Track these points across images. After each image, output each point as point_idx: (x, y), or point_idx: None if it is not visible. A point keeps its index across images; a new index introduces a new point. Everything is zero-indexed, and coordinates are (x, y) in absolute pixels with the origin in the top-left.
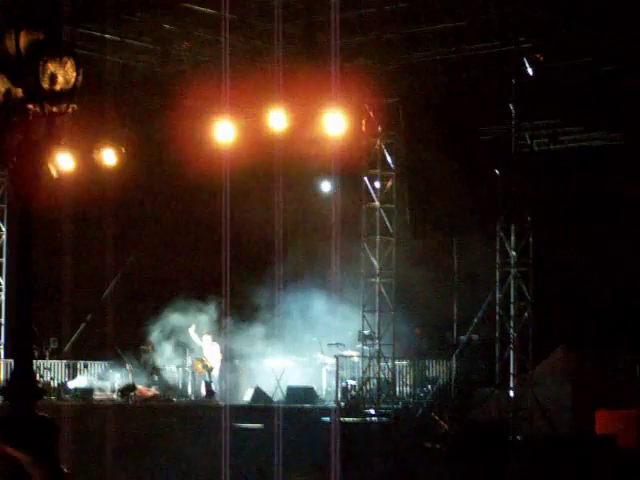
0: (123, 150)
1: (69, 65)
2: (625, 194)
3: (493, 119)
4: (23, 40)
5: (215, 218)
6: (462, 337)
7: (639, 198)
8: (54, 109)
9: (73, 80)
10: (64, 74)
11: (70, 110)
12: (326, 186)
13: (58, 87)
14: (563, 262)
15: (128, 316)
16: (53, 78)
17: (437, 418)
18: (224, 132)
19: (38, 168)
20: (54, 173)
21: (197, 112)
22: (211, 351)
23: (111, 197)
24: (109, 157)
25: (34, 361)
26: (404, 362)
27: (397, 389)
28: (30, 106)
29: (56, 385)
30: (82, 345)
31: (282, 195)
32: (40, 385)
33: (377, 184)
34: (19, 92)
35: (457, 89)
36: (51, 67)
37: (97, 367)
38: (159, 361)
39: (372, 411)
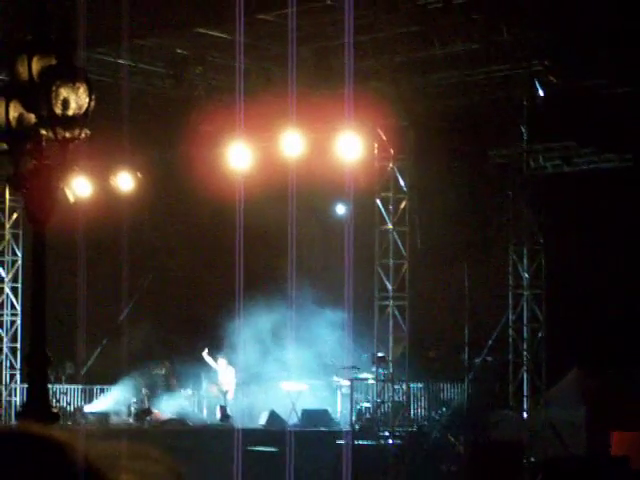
0: (139, 175)
1: (82, 90)
2: (638, 215)
3: (506, 141)
4: (36, 66)
5: (230, 241)
6: (477, 360)
7: None
8: (67, 135)
9: (86, 105)
10: (77, 99)
11: (83, 135)
12: (340, 209)
13: (71, 112)
14: (576, 284)
15: (144, 339)
16: (66, 103)
17: (453, 440)
18: (239, 156)
19: (52, 193)
20: (71, 198)
21: (212, 136)
22: (226, 374)
23: (127, 221)
24: (125, 182)
25: (50, 386)
26: (418, 385)
27: (411, 412)
28: (43, 132)
29: (72, 410)
30: (98, 369)
31: (296, 219)
32: (55, 409)
33: (392, 207)
34: (32, 118)
35: (469, 112)
36: (64, 92)
37: (113, 391)
38: (174, 383)
39: (387, 434)
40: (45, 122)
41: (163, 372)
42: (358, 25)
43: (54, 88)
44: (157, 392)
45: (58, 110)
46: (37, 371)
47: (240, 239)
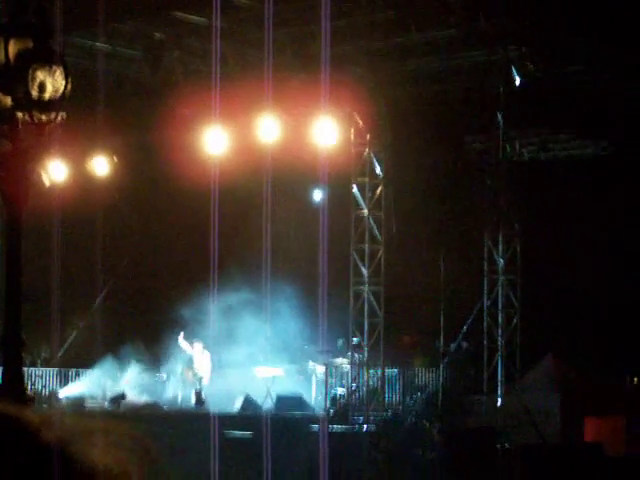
0: (115, 159)
1: (58, 73)
2: (614, 203)
3: (483, 128)
4: (12, 48)
5: (206, 226)
6: (451, 345)
7: (627, 207)
8: (43, 118)
9: (62, 88)
10: (53, 82)
11: (59, 119)
12: (318, 194)
13: (47, 95)
14: (551, 270)
15: (120, 323)
16: (42, 86)
17: (428, 426)
18: (215, 141)
19: (27, 177)
20: (46, 182)
21: (188, 121)
22: (202, 359)
23: (103, 205)
24: (101, 166)
25: (26, 369)
26: (393, 370)
27: (386, 397)
28: (19, 115)
29: (47, 393)
30: (74, 353)
31: (272, 203)
32: (30, 393)
33: (368, 192)
34: (8, 101)
35: (446, 98)
36: (40, 75)
37: (89, 375)
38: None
39: (361, 419)
40: (21, 105)
41: (138, 356)
42: (335, 10)
43: (30, 71)
44: (132, 376)
45: (34, 93)
46: (12, 354)
47: (215, 224)
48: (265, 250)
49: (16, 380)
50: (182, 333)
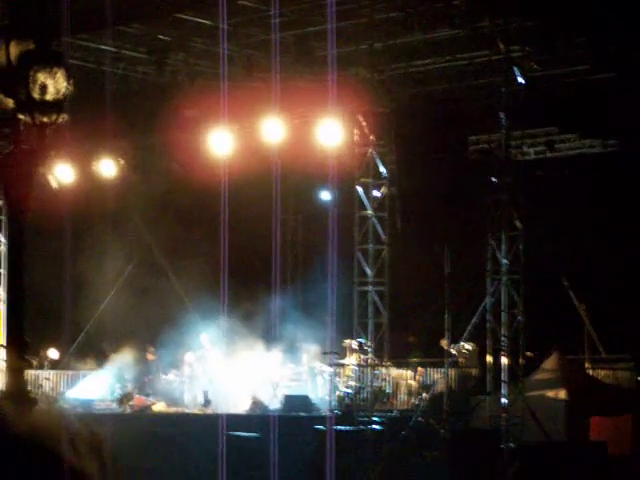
0: (121, 161)
1: (59, 75)
2: (620, 202)
3: (487, 127)
4: (13, 50)
5: (213, 227)
6: (456, 345)
7: (633, 206)
8: (45, 119)
9: (64, 90)
10: (54, 84)
11: (61, 120)
12: (325, 195)
13: (49, 97)
14: (555, 269)
15: (127, 324)
16: (43, 88)
17: (436, 426)
18: (221, 142)
19: (30, 177)
20: (54, 184)
21: (195, 122)
22: (211, 359)
23: (110, 208)
24: (108, 168)
25: (33, 371)
26: (400, 370)
27: (392, 397)
28: (21, 116)
29: (55, 395)
30: (82, 355)
31: (280, 204)
32: (34, 395)
33: (375, 192)
34: (10, 102)
35: (451, 98)
36: (41, 77)
37: (97, 377)
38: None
39: (366, 419)
40: (23, 107)
41: (146, 357)
42: (339, 11)
43: (32, 73)
44: (140, 377)
45: (36, 95)
46: (15, 356)
47: (225, 225)
48: (275, 252)
49: (19, 382)
50: (205, 334)
